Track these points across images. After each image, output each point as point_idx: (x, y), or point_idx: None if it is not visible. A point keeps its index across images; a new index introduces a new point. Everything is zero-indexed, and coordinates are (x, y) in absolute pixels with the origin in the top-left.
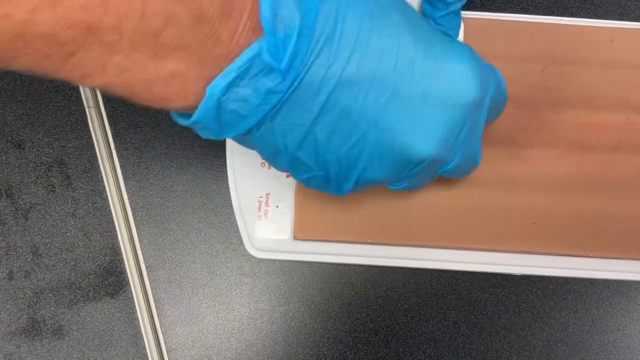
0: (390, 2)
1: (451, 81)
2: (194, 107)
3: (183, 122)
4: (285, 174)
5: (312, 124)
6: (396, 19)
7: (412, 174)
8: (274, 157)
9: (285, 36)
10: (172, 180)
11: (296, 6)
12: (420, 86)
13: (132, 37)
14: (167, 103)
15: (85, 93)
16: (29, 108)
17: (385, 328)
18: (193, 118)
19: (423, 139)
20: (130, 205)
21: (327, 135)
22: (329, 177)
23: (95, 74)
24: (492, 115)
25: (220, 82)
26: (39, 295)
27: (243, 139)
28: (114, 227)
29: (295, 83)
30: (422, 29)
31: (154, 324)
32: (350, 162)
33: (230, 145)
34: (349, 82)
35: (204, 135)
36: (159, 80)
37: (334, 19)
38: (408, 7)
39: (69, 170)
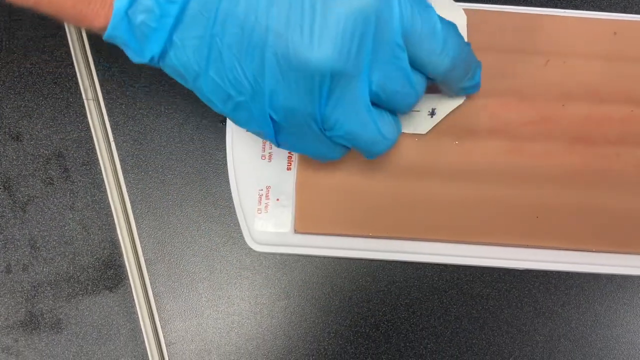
0: None
1: None
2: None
3: (104, 35)
4: (286, 167)
5: (211, 34)
6: None
7: (331, 99)
8: (196, 83)
9: None
10: (171, 173)
11: None
12: None
13: None
14: (91, 21)
15: (84, 85)
16: (27, 100)
17: (386, 322)
18: (107, 32)
19: (315, 44)
20: (129, 198)
21: (227, 45)
22: (248, 105)
23: None
24: (425, 51)
25: None
26: (37, 289)
27: (168, 67)
28: (113, 220)
29: None
30: None
31: (153, 317)
32: (257, 78)
33: (231, 137)
34: None
35: (133, 57)
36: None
37: None
38: None
39: (68, 163)
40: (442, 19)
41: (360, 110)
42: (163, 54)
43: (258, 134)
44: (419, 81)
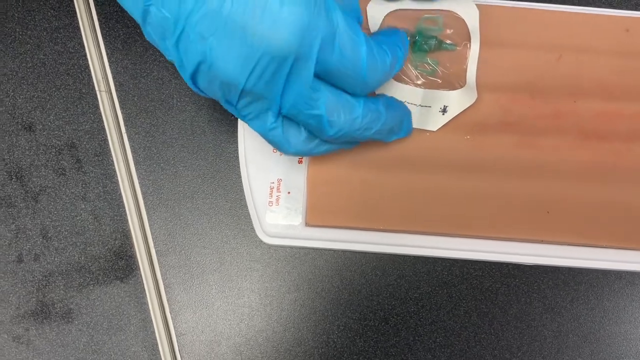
0: None
1: (263, 19)
2: None
3: None
4: (297, 160)
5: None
6: None
7: (238, 101)
8: (167, 48)
9: None
10: (183, 165)
11: None
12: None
13: None
14: None
15: (96, 77)
16: (40, 91)
17: (395, 316)
18: None
19: (228, 59)
20: (141, 190)
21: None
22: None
23: None
24: (343, 81)
25: None
26: (48, 279)
27: (152, 26)
28: (124, 211)
29: None
30: None
31: (164, 308)
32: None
33: (242, 130)
34: None
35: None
36: None
37: None
38: None
39: (80, 154)
40: (369, 55)
41: (266, 120)
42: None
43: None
44: (337, 119)
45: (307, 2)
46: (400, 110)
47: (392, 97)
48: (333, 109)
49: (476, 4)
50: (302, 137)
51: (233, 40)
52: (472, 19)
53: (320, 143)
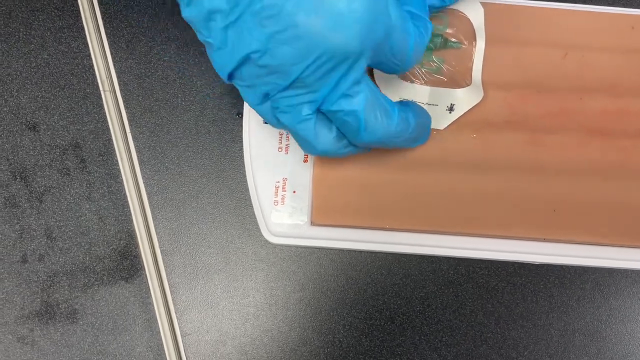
0: None
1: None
2: None
3: None
4: (303, 159)
5: None
6: None
7: (283, 92)
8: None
9: None
10: (187, 164)
11: None
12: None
13: None
14: None
15: (100, 76)
16: (45, 91)
17: (401, 315)
18: None
19: (288, 48)
20: (146, 190)
21: None
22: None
23: None
24: (386, 64)
25: None
26: (53, 279)
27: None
28: (129, 211)
29: None
30: None
31: (169, 308)
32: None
33: (247, 129)
34: None
35: None
36: None
37: None
38: None
39: (84, 154)
40: (415, 42)
41: (303, 114)
42: None
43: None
44: (373, 123)
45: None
46: (425, 117)
47: (417, 105)
48: (369, 110)
49: (481, 2)
50: (332, 136)
51: (296, 33)
52: (477, 17)
53: (347, 144)
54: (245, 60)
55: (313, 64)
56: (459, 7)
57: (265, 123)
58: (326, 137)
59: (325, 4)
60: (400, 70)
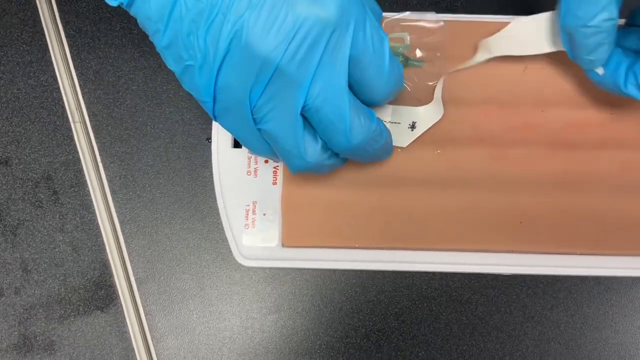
0: None
1: None
2: None
3: None
4: (272, 181)
5: None
6: None
7: (266, 91)
8: (155, 36)
9: None
10: (159, 191)
11: None
12: None
13: None
14: None
15: (70, 108)
16: (15, 125)
17: (377, 332)
18: None
19: (268, 36)
20: (118, 219)
21: (188, 10)
22: (196, 73)
23: None
24: (366, 76)
25: None
26: (30, 311)
27: (136, 13)
28: (103, 240)
29: None
30: None
31: (145, 336)
32: (209, 50)
33: (217, 154)
34: None
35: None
36: None
37: None
38: None
39: (56, 186)
40: (390, 55)
41: (289, 115)
42: (130, 2)
43: (201, 102)
44: (357, 125)
45: None
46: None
47: None
48: (354, 110)
49: (442, 20)
50: (318, 147)
51: (271, 11)
52: (439, 35)
53: (331, 155)
54: (225, 59)
55: (294, 39)
56: (420, 24)
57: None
58: (313, 147)
59: None
60: (379, 88)
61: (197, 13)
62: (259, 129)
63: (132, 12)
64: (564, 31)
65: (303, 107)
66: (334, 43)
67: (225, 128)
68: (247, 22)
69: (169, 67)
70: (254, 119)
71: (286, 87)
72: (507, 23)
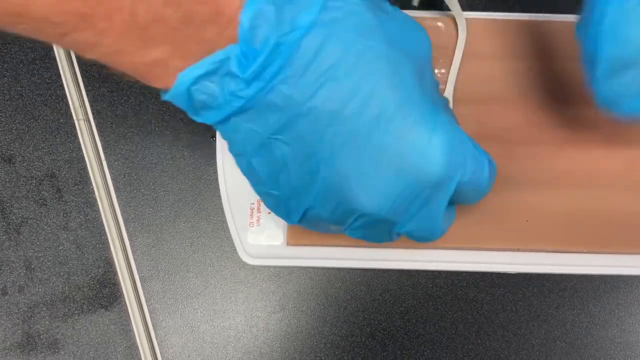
0: (398, 54)
1: (413, 151)
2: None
3: (163, 95)
4: None
5: (269, 137)
6: (385, 69)
7: (360, 226)
8: (238, 157)
9: (260, 48)
10: (163, 190)
11: (277, 21)
12: (380, 142)
13: (122, 27)
14: (149, 81)
15: (74, 106)
16: (19, 123)
17: (382, 331)
18: (165, 96)
19: (369, 195)
20: (122, 217)
21: (282, 155)
22: (279, 200)
23: (88, 50)
24: (464, 198)
25: (190, 72)
26: (33, 310)
27: (219, 127)
28: (107, 238)
29: (262, 94)
30: (412, 87)
31: (150, 335)
32: (300, 192)
33: (221, 152)
34: (311, 113)
35: (183, 110)
36: (144, 63)
37: (320, 45)
38: (423, 71)
39: (60, 183)
40: (490, 164)
41: (386, 235)
42: (216, 123)
43: (271, 208)
44: (446, 224)
45: (451, 124)
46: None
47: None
48: (445, 218)
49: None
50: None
51: (375, 169)
52: (460, 32)
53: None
54: (314, 206)
55: (397, 198)
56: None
57: None
58: (449, 221)
59: (408, 137)
60: (475, 200)
61: (291, 158)
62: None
63: (216, 128)
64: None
65: (397, 233)
66: (436, 195)
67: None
68: (348, 184)
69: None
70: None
71: (382, 226)
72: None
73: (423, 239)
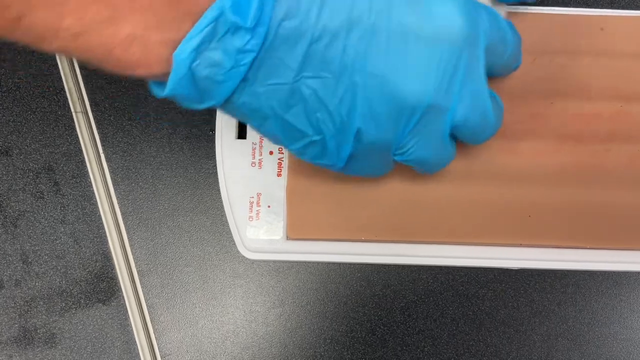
0: None
1: (433, 18)
2: (166, 75)
3: (160, 92)
4: (276, 173)
5: (294, 81)
6: None
7: (414, 129)
8: (263, 124)
9: None
10: (162, 183)
11: None
12: (400, 25)
13: None
14: (131, 70)
15: (72, 98)
16: (16, 114)
17: (382, 327)
18: (166, 91)
19: (412, 81)
20: (120, 210)
21: (313, 91)
22: (325, 142)
23: (49, 37)
24: (497, 56)
25: (186, 47)
26: (30, 304)
27: (229, 109)
28: (104, 232)
29: (269, 39)
30: None
31: (147, 329)
32: (344, 119)
33: (220, 145)
34: (325, 32)
35: (185, 105)
36: (117, 44)
37: None
38: None
39: (57, 176)
40: (508, 23)
41: (438, 140)
42: (226, 101)
43: (317, 163)
44: (497, 110)
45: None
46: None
47: None
48: (493, 102)
49: None
50: (453, 149)
51: (406, 52)
52: None
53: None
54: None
55: (436, 77)
56: None
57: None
58: (454, 148)
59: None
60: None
61: (323, 88)
62: (399, 159)
63: (226, 109)
64: None
65: (451, 127)
66: (472, 54)
67: (348, 174)
68: (387, 80)
69: (277, 144)
70: (394, 153)
71: (436, 118)
72: (513, 13)
73: (481, 130)
